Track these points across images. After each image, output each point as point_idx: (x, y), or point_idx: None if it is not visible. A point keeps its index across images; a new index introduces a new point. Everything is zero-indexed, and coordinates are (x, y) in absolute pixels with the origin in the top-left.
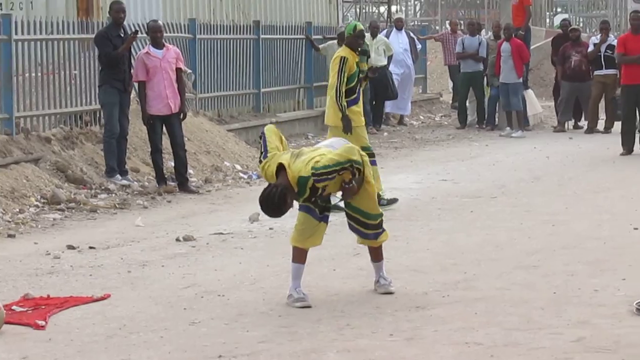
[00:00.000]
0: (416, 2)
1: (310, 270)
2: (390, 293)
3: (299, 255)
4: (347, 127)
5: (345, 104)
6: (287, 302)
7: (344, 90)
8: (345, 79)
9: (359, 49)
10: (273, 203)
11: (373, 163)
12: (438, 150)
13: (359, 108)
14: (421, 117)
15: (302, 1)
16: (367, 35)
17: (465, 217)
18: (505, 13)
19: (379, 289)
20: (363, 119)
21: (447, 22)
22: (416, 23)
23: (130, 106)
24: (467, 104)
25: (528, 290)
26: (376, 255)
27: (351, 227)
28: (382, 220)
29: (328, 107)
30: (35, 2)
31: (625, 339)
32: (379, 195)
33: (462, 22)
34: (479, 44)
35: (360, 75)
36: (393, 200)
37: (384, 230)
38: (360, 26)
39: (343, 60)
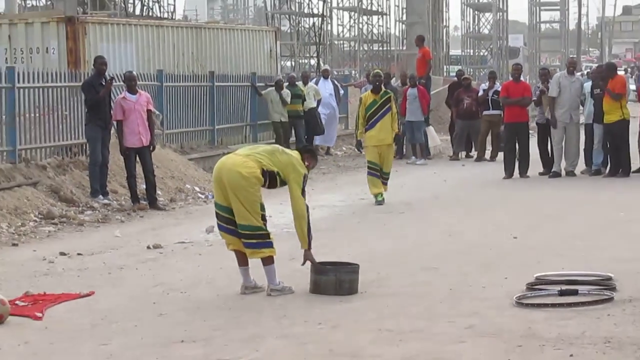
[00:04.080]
0: (330, 56)
1: (254, 272)
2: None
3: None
4: (357, 145)
5: (363, 129)
6: (274, 294)
7: (360, 121)
8: (363, 112)
9: (377, 86)
10: None
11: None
12: (357, 175)
13: (375, 132)
14: (344, 148)
15: (248, 56)
16: (300, 83)
17: (379, 228)
18: (411, 65)
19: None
20: (377, 138)
21: (365, 73)
22: (339, 73)
23: (110, 140)
24: None
25: (429, 287)
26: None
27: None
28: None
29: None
30: (34, 56)
31: (507, 326)
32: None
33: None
34: None
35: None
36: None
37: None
38: (376, 71)
39: (360, 100)
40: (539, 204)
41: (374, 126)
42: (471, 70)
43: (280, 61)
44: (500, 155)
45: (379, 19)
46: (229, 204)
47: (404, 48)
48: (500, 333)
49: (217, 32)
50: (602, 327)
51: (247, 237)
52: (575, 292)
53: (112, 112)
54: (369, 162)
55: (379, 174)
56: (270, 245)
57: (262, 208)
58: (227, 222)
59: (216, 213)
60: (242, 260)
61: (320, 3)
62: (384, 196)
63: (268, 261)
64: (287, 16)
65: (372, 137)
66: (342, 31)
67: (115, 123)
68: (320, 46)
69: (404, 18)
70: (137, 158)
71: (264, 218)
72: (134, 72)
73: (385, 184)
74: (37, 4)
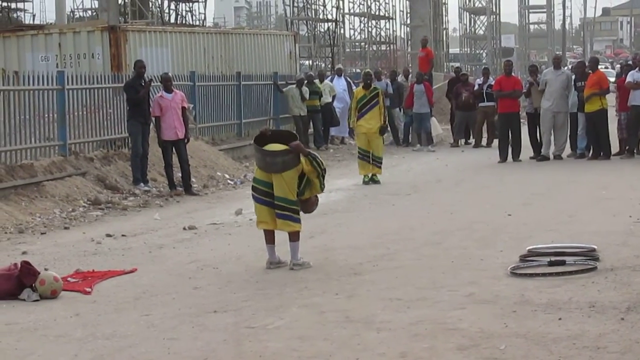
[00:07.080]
0: (343, 57)
1: (277, 249)
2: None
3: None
4: (350, 133)
5: (355, 119)
6: (296, 268)
7: (353, 112)
8: (355, 104)
9: (367, 83)
10: None
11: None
12: None
13: (364, 122)
14: None
15: (270, 57)
16: (317, 80)
17: (388, 208)
18: (414, 63)
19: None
20: (366, 127)
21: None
22: (351, 71)
23: (150, 134)
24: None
25: (433, 260)
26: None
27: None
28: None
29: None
30: (81, 61)
31: (502, 294)
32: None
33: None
34: (387, 85)
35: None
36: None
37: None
38: (366, 70)
39: (353, 94)
40: (530, 185)
41: (364, 116)
42: (468, 67)
43: (299, 62)
44: (495, 142)
45: (386, 22)
46: (271, 179)
47: (410, 49)
48: (497, 300)
49: (243, 37)
50: (587, 293)
51: (281, 208)
52: (563, 263)
53: (150, 109)
54: (359, 148)
55: (367, 158)
56: (298, 221)
57: (298, 186)
58: (264, 194)
59: (254, 187)
60: (270, 239)
61: (334, 9)
62: (379, 177)
63: (294, 237)
64: (304, 22)
65: (361, 125)
66: (354, 34)
67: (153, 119)
68: (335, 48)
69: (409, 21)
70: (174, 149)
71: (297, 195)
72: (170, 74)
73: (379, 167)
74: (84, 15)
